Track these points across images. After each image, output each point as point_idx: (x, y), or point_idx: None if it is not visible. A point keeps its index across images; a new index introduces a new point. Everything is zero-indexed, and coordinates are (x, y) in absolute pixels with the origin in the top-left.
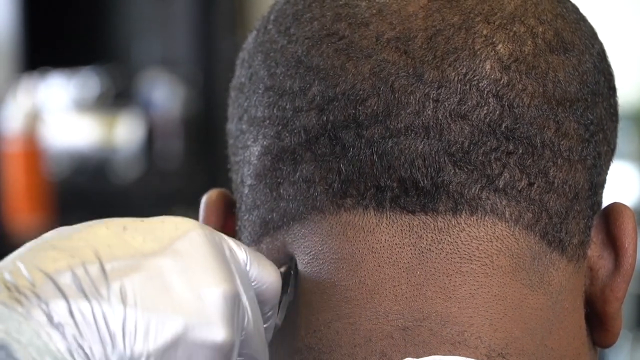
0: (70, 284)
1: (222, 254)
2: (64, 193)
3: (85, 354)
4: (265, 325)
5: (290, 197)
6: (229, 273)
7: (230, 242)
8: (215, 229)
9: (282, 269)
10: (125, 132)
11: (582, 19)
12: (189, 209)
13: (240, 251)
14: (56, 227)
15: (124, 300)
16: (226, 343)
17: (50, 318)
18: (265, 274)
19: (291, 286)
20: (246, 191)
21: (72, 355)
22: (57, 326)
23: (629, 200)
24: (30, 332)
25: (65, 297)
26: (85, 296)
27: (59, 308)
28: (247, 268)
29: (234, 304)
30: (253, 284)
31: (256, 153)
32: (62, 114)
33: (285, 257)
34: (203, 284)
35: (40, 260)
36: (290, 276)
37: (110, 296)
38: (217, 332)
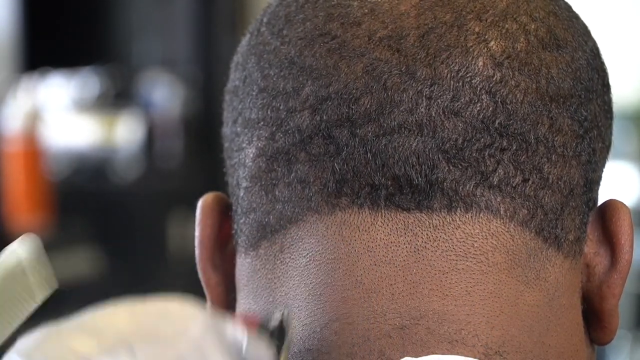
0: None
1: (225, 340)
2: (64, 193)
3: None
4: None
5: (286, 199)
6: None
7: (231, 326)
8: (211, 233)
9: (277, 317)
10: (125, 132)
11: (574, 16)
12: (189, 209)
13: (237, 334)
14: (56, 227)
15: None
16: None
17: None
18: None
19: (286, 340)
20: (242, 194)
21: None
22: None
23: (628, 200)
24: None
25: None
26: None
27: None
28: (244, 353)
29: None
30: None
31: (251, 155)
32: (62, 114)
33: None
34: None
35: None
36: (286, 329)
37: None
38: None
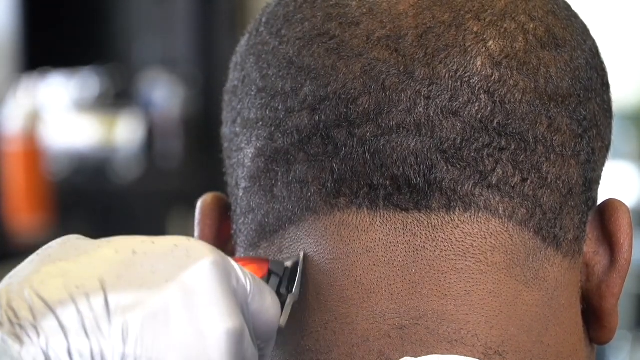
0: (72, 319)
1: (230, 285)
2: (64, 193)
3: None
4: None
5: (285, 199)
6: (235, 307)
7: (238, 271)
8: (210, 233)
9: (289, 263)
10: (125, 132)
11: (573, 15)
12: (189, 209)
13: (246, 282)
14: (56, 227)
15: (124, 339)
16: None
17: (47, 357)
18: (265, 309)
19: (297, 284)
20: (241, 194)
21: None
22: None
23: (628, 200)
24: None
25: (65, 334)
26: (86, 334)
27: (58, 346)
28: (249, 300)
29: (237, 340)
30: (252, 317)
31: (250, 155)
32: (62, 114)
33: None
34: (207, 320)
35: (46, 288)
36: (297, 273)
37: (112, 334)
38: None
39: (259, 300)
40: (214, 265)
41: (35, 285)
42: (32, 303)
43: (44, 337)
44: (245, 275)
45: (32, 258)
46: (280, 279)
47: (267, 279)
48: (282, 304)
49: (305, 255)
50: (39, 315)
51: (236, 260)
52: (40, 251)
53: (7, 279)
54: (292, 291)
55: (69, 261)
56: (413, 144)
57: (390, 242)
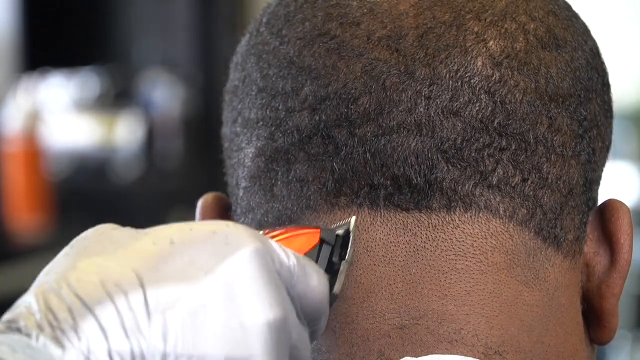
0: (112, 319)
1: (272, 271)
2: (64, 193)
3: None
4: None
5: (285, 198)
6: (277, 295)
7: (281, 254)
8: None
9: (340, 231)
10: (125, 132)
11: (574, 15)
12: (189, 209)
13: (289, 263)
14: (56, 227)
15: (164, 338)
16: None
17: None
18: (310, 290)
19: (350, 250)
20: (241, 194)
21: None
22: None
23: (628, 200)
24: None
25: (105, 336)
26: (126, 334)
27: (98, 349)
28: (294, 282)
29: (279, 331)
30: (298, 299)
31: (250, 155)
32: (62, 114)
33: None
34: (248, 312)
35: (83, 286)
36: (350, 239)
37: (151, 333)
38: None
39: (304, 282)
40: (254, 253)
41: (73, 283)
42: (71, 303)
43: (85, 341)
44: (288, 256)
45: (67, 251)
46: (332, 247)
47: (319, 249)
48: (336, 272)
49: (355, 221)
50: (78, 317)
51: (286, 231)
52: (75, 242)
53: (43, 275)
54: (344, 258)
55: (105, 255)
56: (413, 144)
57: (391, 242)
